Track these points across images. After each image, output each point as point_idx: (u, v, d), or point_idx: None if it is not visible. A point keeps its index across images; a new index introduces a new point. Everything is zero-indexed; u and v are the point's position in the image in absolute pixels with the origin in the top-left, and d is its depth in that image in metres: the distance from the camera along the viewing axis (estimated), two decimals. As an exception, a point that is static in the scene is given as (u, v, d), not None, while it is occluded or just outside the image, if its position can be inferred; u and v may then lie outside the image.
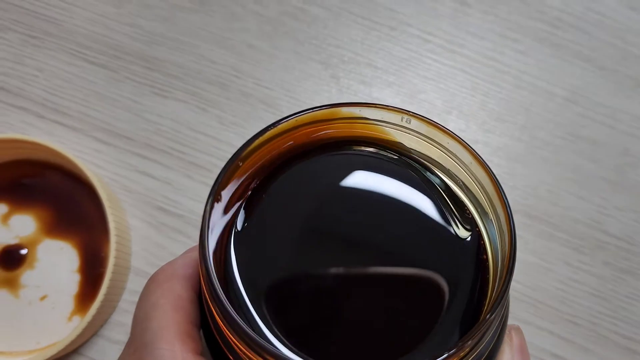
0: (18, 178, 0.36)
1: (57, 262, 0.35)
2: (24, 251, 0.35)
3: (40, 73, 0.39)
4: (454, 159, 0.27)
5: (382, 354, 0.26)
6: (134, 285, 0.36)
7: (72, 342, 0.32)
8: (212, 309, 0.24)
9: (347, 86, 0.39)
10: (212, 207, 0.24)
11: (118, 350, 0.35)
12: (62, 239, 0.36)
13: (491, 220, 0.26)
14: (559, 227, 0.38)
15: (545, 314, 0.37)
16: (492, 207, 0.26)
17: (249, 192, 0.27)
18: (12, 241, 0.35)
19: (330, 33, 0.40)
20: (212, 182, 0.35)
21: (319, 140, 0.28)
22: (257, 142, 0.25)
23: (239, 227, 0.27)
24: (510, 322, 0.35)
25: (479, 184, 0.26)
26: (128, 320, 0.35)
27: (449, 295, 0.26)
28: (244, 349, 0.23)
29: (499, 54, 0.40)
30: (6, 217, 0.36)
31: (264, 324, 0.26)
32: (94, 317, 0.32)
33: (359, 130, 0.28)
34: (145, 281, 0.35)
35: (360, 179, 0.28)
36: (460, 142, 0.25)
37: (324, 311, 0.26)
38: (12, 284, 0.35)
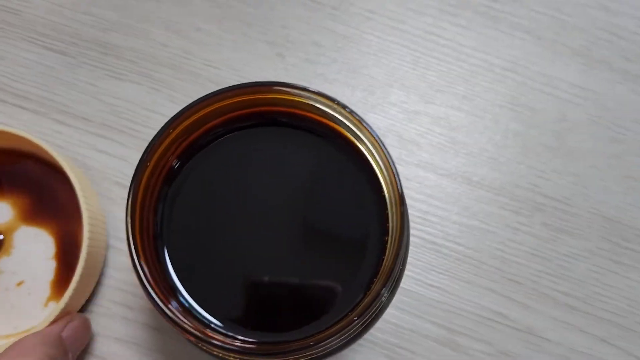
0: None
1: (33, 249, 0.36)
2: (1, 238, 0.36)
3: (2, 60, 0.41)
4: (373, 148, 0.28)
5: (288, 319, 0.27)
6: (114, 263, 0.37)
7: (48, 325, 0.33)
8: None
9: (292, 64, 0.41)
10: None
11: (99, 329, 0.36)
12: (38, 226, 0.37)
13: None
14: (499, 192, 0.39)
15: (487, 274, 0.38)
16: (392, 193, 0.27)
17: (174, 168, 0.29)
18: None
19: (277, 14, 0.42)
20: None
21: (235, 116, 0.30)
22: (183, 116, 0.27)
23: (164, 202, 0.29)
24: (453, 281, 0.37)
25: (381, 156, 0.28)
26: (106, 302, 0.37)
27: (351, 264, 0.28)
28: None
29: (439, 29, 0.42)
30: None
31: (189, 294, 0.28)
32: (68, 304, 0.33)
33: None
34: (120, 257, 0.36)
35: (283, 155, 0.29)
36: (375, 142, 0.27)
37: (240, 280, 0.28)
38: None
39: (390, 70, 0.41)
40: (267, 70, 0.40)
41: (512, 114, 0.41)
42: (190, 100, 0.38)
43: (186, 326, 0.24)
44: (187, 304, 0.27)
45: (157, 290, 0.25)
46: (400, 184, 0.26)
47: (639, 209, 0.39)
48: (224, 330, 0.26)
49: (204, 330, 0.25)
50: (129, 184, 0.38)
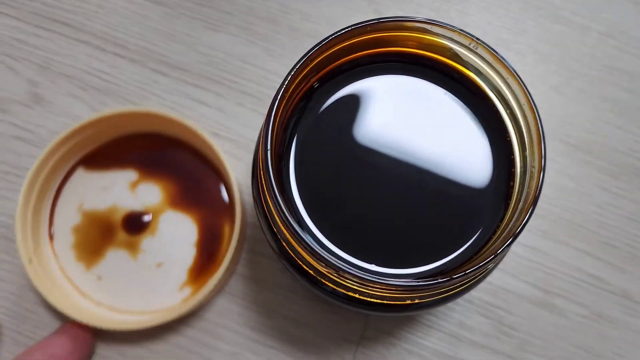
0: (151, 149, 0.37)
1: (176, 233, 0.36)
2: (147, 218, 0.36)
3: (101, 10, 0.40)
4: (508, 90, 0.27)
5: (405, 258, 0.27)
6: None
7: (184, 314, 0.33)
8: (265, 192, 0.25)
9: (390, 21, 0.40)
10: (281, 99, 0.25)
11: (228, 311, 0.36)
12: (184, 211, 0.36)
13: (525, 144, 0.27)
14: (597, 155, 0.38)
15: (584, 237, 0.37)
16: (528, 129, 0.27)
17: (309, 98, 0.28)
18: (138, 207, 0.36)
19: (374, -29, 0.41)
20: (262, 110, 0.37)
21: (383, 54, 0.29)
22: (330, 42, 0.26)
23: (297, 128, 0.28)
24: (549, 243, 0.36)
25: (523, 114, 0.27)
26: (240, 287, 0.36)
27: (477, 217, 0.27)
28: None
29: (538, -10, 0.41)
30: (135, 184, 0.37)
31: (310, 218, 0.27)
32: (208, 293, 0.33)
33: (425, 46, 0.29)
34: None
35: (412, 99, 0.29)
36: (514, 77, 0.26)
37: (362, 211, 0.27)
38: (132, 247, 0.36)
39: (488, 30, 0.40)
40: (365, 26, 0.40)
41: (609, 78, 0.39)
42: (289, 54, 0.38)
43: (325, 257, 0.24)
44: (310, 232, 0.27)
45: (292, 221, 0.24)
46: (541, 122, 0.25)
47: None
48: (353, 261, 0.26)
49: (334, 260, 0.24)
50: (223, 134, 0.37)
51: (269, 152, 0.24)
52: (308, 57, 0.25)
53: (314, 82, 0.28)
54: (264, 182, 0.24)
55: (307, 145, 0.28)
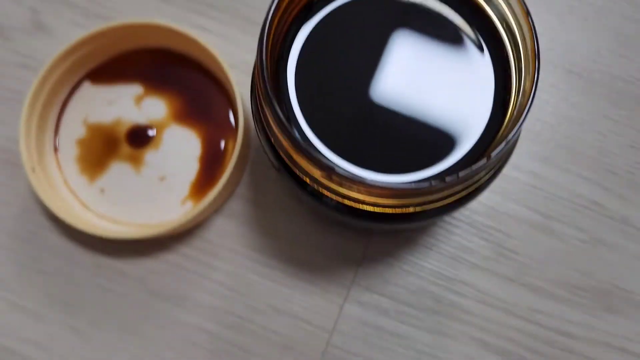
0: (157, 64, 0.37)
1: (180, 148, 0.36)
2: (151, 132, 0.36)
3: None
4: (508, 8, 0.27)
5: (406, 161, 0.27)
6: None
7: (184, 224, 0.33)
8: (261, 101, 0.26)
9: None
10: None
11: (228, 232, 0.36)
12: (188, 126, 0.36)
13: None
14: (599, 83, 0.38)
15: (584, 163, 0.37)
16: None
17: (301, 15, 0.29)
18: (143, 121, 0.36)
19: None
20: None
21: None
22: None
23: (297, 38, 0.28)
24: (549, 168, 0.36)
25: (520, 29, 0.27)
26: (241, 208, 0.36)
27: (469, 119, 0.27)
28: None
29: None
30: (140, 98, 0.37)
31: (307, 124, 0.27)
32: (207, 207, 0.33)
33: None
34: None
35: (412, 14, 0.29)
36: None
37: (360, 119, 0.27)
38: (136, 161, 0.36)
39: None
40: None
41: (613, 6, 0.39)
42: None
43: (319, 157, 0.24)
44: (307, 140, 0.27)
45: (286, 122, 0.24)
46: (536, 38, 0.25)
47: None
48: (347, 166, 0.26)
49: (327, 162, 0.24)
50: (228, 61, 0.37)
51: (264, 52, 0.24)
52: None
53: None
54: (259, 88, 0.25)
55: (306, 55, 0.28)
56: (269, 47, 0.26)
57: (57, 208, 0.33)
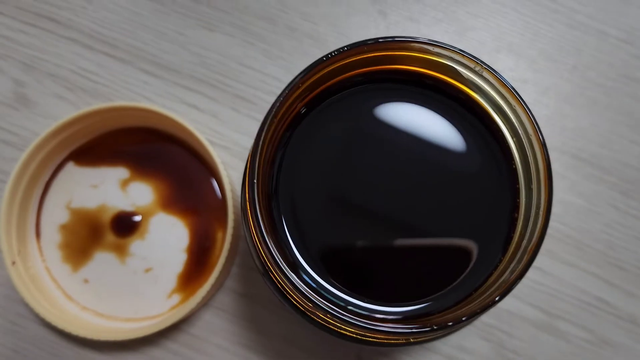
0: (144, 145, 0.35)
1: (167, 237, 0.34)
2: (137, 219, 0.35)
3: (90, 5, 0.38)
4: (516, 120, 0.25)
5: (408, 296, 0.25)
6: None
7: (171, 320, 0.31)
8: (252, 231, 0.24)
9: (394, 22, 0.38)
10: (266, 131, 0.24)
11: (215, 327, 0.34)
12: (176, 215, 0.35)
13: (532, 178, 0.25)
14: (608, 171, 0.36)
15: (591, 257, 0.35)
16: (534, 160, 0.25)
17: (300, 120, 0.27)
18: (128, 207, 0.35)
19: (379, -32, 0.39)
20: (257, 115, 0.35)
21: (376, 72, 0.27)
22: (321, 66, 0.24)
23: (286, 154, 0.26)
24: (555, 263, 0.34)
25: (530, 144, 0.25)
26: (229, 302, 0.35)
27: (477, 251, 0.25)
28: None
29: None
30: (126, 182, 0.35)
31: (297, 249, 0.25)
32: (197, 304, 0.31)
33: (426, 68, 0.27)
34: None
35: (409, 119, 0.27)
36: (521, 106, 0.24)
37: (354, 246, 0.26)
38: (121, 250, 0.34)
39: (498, 34, 0.38)
40: (368, 27, 0.38)
41: (625, 88, 0.37)
42: (286, 56, 0.36)
43: (316, 300, 0.22)
44: (307, 277, 0.25)
45: (284, 262, 0.23)
46: (548, 156, 0.23)
47: None
48: (352, 303, 0.25)
49: (334, 306, 0.23)
50: (216, 140, 0.36)
51: (255, 189, 0.23)
52: (295, 84, 0.24)
53: (301, 108, 0.26)
54: (251, 221, 0.23)
55: (299, 178, 0.26)
56: (262, 175, 0.24)
57: (36, 303, 0.32)
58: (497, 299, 0.22)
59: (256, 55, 0.37)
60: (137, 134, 0.36)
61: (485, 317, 0.34)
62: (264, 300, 0.34)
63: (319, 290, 0.24)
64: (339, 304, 0.24)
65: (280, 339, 0.34)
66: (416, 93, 0.27)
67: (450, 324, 0.21)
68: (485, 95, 0.25)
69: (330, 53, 0.23)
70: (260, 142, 0.23)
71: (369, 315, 0.24)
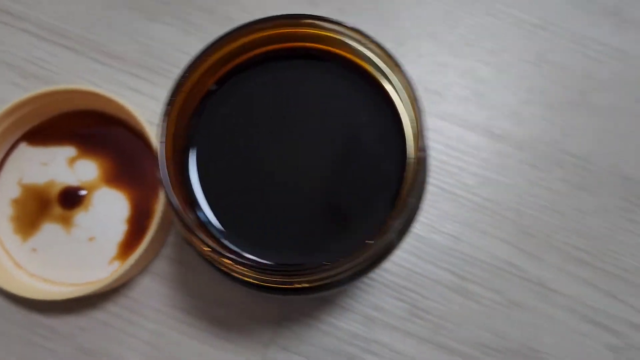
0: (92, 127, 0.39)
1: (109, 209, 0.38)
2: (82, 193, 0.38)
3: (44, -1, 0.42)
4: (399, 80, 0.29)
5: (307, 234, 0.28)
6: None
7: (110, 283, 0.35)
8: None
9: (325, 12, 0.41)
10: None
11: (153, 291, 0.38)
12: (118, 189, 0.38)
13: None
14: (520, 146, 0.39)
15: (502, 225, 0.38)
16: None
17: (207, 95, 0.30)
18: (74, 183, 0.38)
19: (310, -37, 0.42)
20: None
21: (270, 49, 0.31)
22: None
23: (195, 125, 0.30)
24: (469, 230, 0.37)
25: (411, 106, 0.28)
26: (166, 268, 0.38)
27: (370, 207, 0.28)
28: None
29: (471, -18, 0.42)
30: (73, 160, 0.38)
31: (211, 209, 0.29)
32: (132, 266, 0.35)
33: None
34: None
35: (310, 89, 0.30)
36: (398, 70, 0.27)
37: (261, 205, 0.29)
38: (66, 221, 0.38)
39: (421, 22, 0.41)
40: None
41: (538, 69, 0.40)
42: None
43: (196, 234, 0.25)
44: (205, 218, 0.28)
45: (179, 198, 0.26)
46: (422, 130, 0.26)
47: (659, 169, 0.39)
48: (236, 246, 0.28)
49: (211, 241, 0.26)
50: (156, 121, 0.39)
51: (164, 146, 0.26)
52: (199, 59, 0.27)
53: (211, 85, 0.29)
54: (162, 182, 0.26)
55: (209, 145, 0.29)
56: (172, 130, 0.27)
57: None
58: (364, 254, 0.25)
59: (196, 44, 0.40)
60: (85, 117, 0.39)
61: (398, 279, 0.37)
62: (196, 266, 0.37)
63: (219, 239, 0.27)
64: (237, 253, 0.27)
65: (209, 301, 0.37)
66: (316, 67, 0.30)
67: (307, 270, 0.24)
68: (374, 64, 0.28)
69: (231, 30, 0.27)
70: (168, 107, 0.26)
71: (235, 251, 0.27)
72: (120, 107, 0.37)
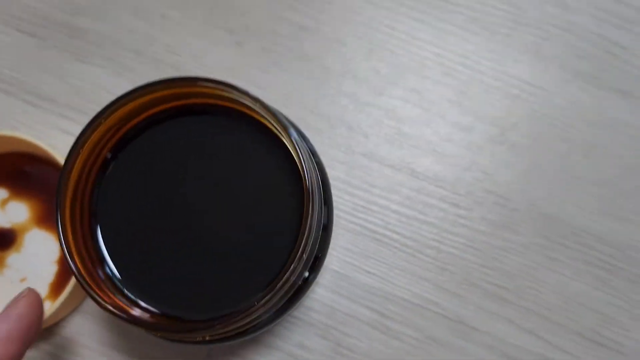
0: (21, 167, 0.40)
1: (40, 251, 0.39)
2: (14, 234, 0.39)
3: (-23, 41, 0.42)
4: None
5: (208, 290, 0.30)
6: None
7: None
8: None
9: (250, 52, 0.42)
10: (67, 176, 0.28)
11: (84, 330, 0.38)
12: (48, 230, 0.39)
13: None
14: (441, 184, 0.40)
15: (422, 263, 0.39)
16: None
17: (108, 158, 0.31)
18: (6, 225, 0.39)
19: (239, 2, 0.43)
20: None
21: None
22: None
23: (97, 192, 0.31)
24: (391, 270, 0.38)
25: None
26: (96, 307, 0.39)
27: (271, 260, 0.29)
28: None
29: (395, 22, 0.42)
30: (5, 202, 0.40)
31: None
32: (62, 305, 0.36)
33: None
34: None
35: (211, 146, 0.31)
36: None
37: (165, 257, 0.30)
38: None
39: (344, 61, 0.42)
40: (226, 58, 0.42)
41: (459, 108, 0.41)
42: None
43: (93, 290, 0.27)
44: (112, 276, 0.30)
45: (88, 255, 0.27)
46: (309, 177, 0.27)
47: (577, 207, 0.40)
48: (141, 299, 0.29)
49: (111, 296, 0.27)
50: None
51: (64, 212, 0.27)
52: (91, 128, 0.28)
53: (106, 152, 0.30)
54: (61, 246, 0.27)
55: (113, 207, 0.30)
56: (70, 196, 0.28)
57: None
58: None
59: (126, 85, 0.41)
60: (16, 158, 0.40)
61: (322, 317, 0.38)
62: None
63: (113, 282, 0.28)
64: (127, 311, 0.28)
65: (138, 339, 0.38)
66: (215, 123, 0.31)
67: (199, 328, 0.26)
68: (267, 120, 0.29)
69: (118, 97, 0.28)
70: (64, 174, 0.27)
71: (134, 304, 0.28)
72: (39, 148, 0.37)
